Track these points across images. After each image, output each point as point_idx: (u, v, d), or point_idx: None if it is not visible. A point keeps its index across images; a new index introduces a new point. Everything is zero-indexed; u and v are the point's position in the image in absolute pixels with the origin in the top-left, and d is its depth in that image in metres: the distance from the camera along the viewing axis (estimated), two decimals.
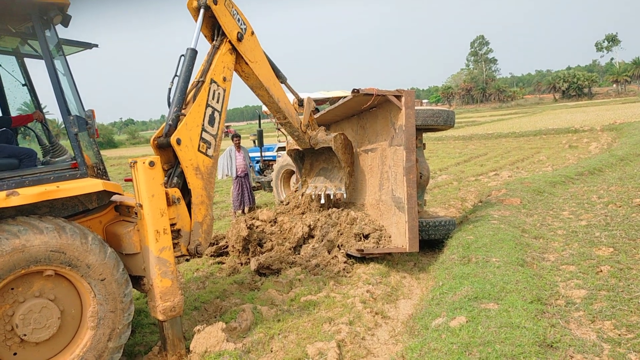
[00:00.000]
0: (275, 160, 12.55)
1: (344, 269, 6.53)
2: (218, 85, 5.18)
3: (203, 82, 5.09)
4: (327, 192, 7.98)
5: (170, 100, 4.93)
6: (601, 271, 5.18)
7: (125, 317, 4.21)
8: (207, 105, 5.02)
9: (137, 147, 66.81)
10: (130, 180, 4.48)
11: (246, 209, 11.09)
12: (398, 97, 6.34)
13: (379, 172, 7.28)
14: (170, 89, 4.96)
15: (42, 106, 5.25)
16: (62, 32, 4.40)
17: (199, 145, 4.88)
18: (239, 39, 5.54)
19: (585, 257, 5.65)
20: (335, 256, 6.81)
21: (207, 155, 4.95)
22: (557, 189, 10.37)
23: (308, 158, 8.75)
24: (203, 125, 4.94)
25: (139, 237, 4.36)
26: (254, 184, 12.40)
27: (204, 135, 4.94)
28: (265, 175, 13.15)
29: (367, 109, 7.51)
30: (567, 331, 3.93)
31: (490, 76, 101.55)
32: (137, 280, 4.54)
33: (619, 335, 3.83)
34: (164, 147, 4.79)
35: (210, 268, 7.37)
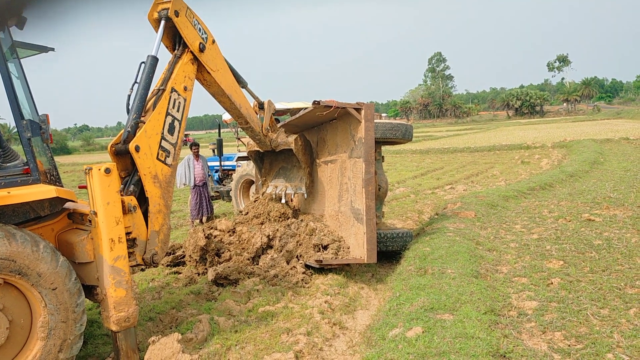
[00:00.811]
0: (234, 170, 12.46)
1: (302, 280, 6.52)
2: (179, 94, 5.11)
3: (164, 90, 5.00)
4: (288, 191, 8.07)
5: (130, 107, 4.81)
6: (552, 283, 5.36)
7: (77, 328, 4.09)
8: (167, 114, 4.93)
9: (92, 153, 65.05)
10: (85, 187, 4.36)
11: (204, 219, 10.95)
12: (358, 109, 6.40)
13: (338, 184, 7.33)
14: (129, 96, 4.85)
15: None
16: (17, 35, 4.29)
17: (158, 154, 4.78)
18: (201, 50, 5.51)
19: (536, 270, 5.84)
20: (294, 267, 6.80)
21: (165, 163, 4.86)
22: (510, 203, 10.68)
23: (267, 158, 8.80)
24: (162, 133, 4.85)
25: (92, 245, 4.25)
26: (212, 194, 12.27)
27: (163, 143, 4.85)
28: (224, 185, 13.03)
29: (327, 120, 7.57)
30: (519, 342, 4.04)
31: (446, 92, 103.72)
32: (90, 290, 4.41)
33: (569, 345, 3.97)
34: (122, 154, 4.67)
35: (166, 278, 7.23)
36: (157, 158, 4.78)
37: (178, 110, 5.07)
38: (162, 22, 5.11)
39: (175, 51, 5.37)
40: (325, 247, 6.86)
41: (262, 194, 8.60)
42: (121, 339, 4.30)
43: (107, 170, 4.13)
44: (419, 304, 4.86)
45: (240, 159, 12.08)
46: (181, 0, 5.24)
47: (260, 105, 7.41)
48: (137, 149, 4.59)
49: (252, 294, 6.09)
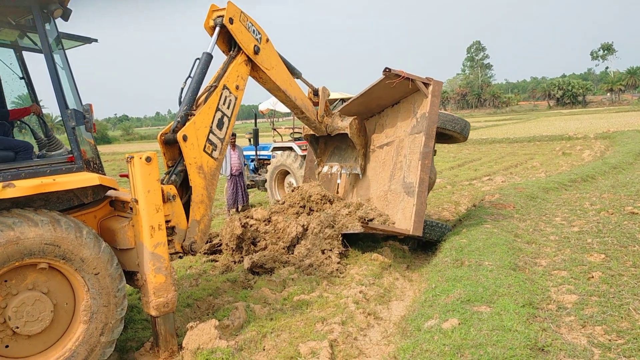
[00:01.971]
0: (270, 160, 12.55)
1: (337, 270, 6.54)
2: (230, 92, 5.30)
3: (216, 86, 5.20)
4: (343, 171, 8.20)
5: (181, 99, 5.01)
6: (592, 277, 5.22)
7: (118, 312, 4.21)
8: (217, 109, 5.12)
9: (132, 143, 66.57)
10: (126, 175, 4.48)
11: (240, 207, 11.08)
12: (426, 84, 6.49)
13: (392, 163, 7.33)
14: (182, 89, 5.06)
15: (39, 100, 5.23)
16: (62, 26, 4.40)
17: (205, 146, 4.95)
18: (256, 52, 5.74)
19: (577, 263, 5.70)
20: (329, 256, 6.82)
21: (212, 156, 5.01)
22: (550, 195, 10.43)
23: (322, 138, 8.88)
24: (211, 127, 5.02)
25: (133, 232, 4.36)
26: (248, 182, 12.39)
27: (211, 137, 5.01)
28: (259, 174, 13.15)
29: (387, 104, 7.67)
30: (558, 335, 3.96)
31: (485, 82, 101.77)
32: (131, 276, 4.54)
33: (610, 340, 3.87)
34: (170, 144, 4.87)
35: (203, 266, 7.36)
36: (204, 150, 4.93)
37: (228, 108, 5.25)
38: (217, 29, 5.34)
39: (231, 52, 5.59)
40: (370, 220, 6.83)
41: (318, 173, 8.81)
42: (160, 324, 4.41)
43: (148, 159, 4.23)
44: (455, 296, 4.82)
45: (275, 149, 12.15)
46: (235, 5, 5.45)
47: (315, 92, 7.54)
48: (184, 138, 4.75)
49: (287, 283, 6.14)
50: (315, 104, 7.56)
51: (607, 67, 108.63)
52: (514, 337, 3.82)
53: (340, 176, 8.29)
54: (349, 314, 5.12)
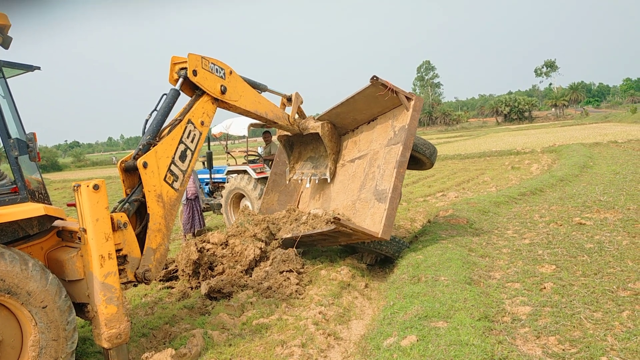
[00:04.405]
0: (224, 182, 12.42)
1: (296, 291, 6.49)
2: (195, 127, 5.36)
3: (180, 120, 5.26)
4: (312, 177, 8.29)
5: (145, 130, 5.05)
6: (545, 288, 5.37)
7: (68, 346, 4.05)
8: (181, 142, 5.15)
9: (83, 170, 64.68)
10: (74, 205, 4.35)
11: (196, 232, 10.90)
12: (409, 98, 6.68)
13: (364, 175, 7.40)
14: (147, 120, 5.11)
15: None
16: (2, 54, 4.27)
17: (166, 176, 4.94)
18: (223, 92, 5.84)
19: (529, 275, 5.85)
20: (288, 278, 6.77)
21: (172, 187, 4.99)
22: (501, 208, 10.72)
23: (297, 147, 8.94)
24: (173, 158, 5.03)
25: (82, 262, 4.22)
26: (203, 206, 12.22)
27: (173, 168, 5.01)
28: (214, 198, 12.99)
29: (363, 119, 7.83)
30: (514, 347, 4.04)
31: (436, 100, 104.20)
32: (81, 308, 4.38)
33: (563, 350, 3.97)
34: (130, 171, 4.84)
35: (159, 293, 7.17)
36: (165, 179, 4.93)
37: (192, 142, 5.29)
38: (181, 80, 5.46)
39: (197, 91, 5.66)
40: (339, 220, 6.78)
41: (289, 180, 8.87)
42: (113, 356, 4.27)
43: (96, 187, 4.12)
44: (413, 312, 4.85)
45: (230, 172, 12.05)
46: (195, 55, 5.54)
47: (289, 99, 7.78)
48: (145, 165, 4.74)
49: (246, 307, 6.05)
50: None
51: (550, 84, 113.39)
52: (471, 351, 3.87)
53: (310, 181, 8.40)
54: (308, 335, 5.08)
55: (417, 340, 4.21)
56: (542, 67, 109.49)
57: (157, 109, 5.21)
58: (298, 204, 9.20)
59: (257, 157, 12.41)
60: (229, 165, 12.61)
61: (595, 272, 5.71)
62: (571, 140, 30.35)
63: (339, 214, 7.04)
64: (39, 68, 4.78)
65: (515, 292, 5.37)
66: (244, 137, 12.98)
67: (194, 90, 5.67)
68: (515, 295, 5.26)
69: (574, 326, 4.34)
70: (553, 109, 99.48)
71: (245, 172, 11.42)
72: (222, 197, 12.00)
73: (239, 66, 6.17)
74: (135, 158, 4.80)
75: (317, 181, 8.35)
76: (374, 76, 6.57)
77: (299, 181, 8.65)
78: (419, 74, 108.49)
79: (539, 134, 44.07)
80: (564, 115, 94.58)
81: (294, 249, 7.38)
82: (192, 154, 5.28)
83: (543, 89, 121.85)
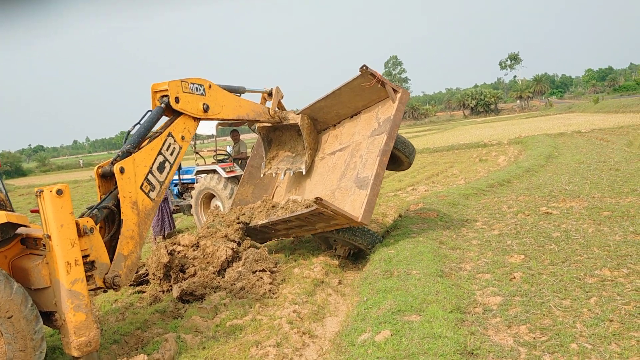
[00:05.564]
0: (193, 184, 12.28)
1: (269, 290, 6.46)
2: (175, 141, 5.45)
3: (161, 132, 5.35)
4: (287, 171, 8.35)
5: (126, 140, 5.13)
6: (514, 278, 5.46)
7: (36, 356, 3.96)
8: (160, 153, 5.21)
9: (48, 174, 63.24)
10: (37, 211, 4.23)
11: (166, 234, 10.75)
12: (395, 90, 6.81)
13: (344, 165, 7.46)
14: (129, 132, 5.22)
15: None
16: None
17: (143, 184, 4.96)
18: (205, 110, 5.97)
19: (499, 265, 5.94)
20: (261, 277, 6.73)
21: (148, 196, 5.01)
22: (470, 200, 10.87)
23: (275, 143, 8.94)
24: (151, 168, 5.07)
25: (48, 270, 4.12)
26: (173, 208, 12.06)
27: (150, 177, 5.04)
28: (184, 199, 12.84)
29: (350, 110, 7.87)
30: (486, 338, 4.09)
31: None
32: (49, 316, 4.27)
33: (534, 338, 4.04)
34: (107, 177, 4.83)
35: (130, 298, 7.05)
36: (141, 187, 4.94)
37: (171, 154, 5.38)
38: (163, 105, 5.55)
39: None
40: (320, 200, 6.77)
41: (264, 174, 8.88)
42: None
43: (59, 192, 4.02)
44: (386, 307, 4.88)
45: (199, 172, 11.91)
46: (175, 82, 5.66)
47: (270, 93, 7.86)
48: (121, 170, 4.75)
49: (219, 309, 5.99)
50: None
51: (515, 76, 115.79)
52: (444, 343, 3.91)
53: (284, 174, 8.42)
54: (283, 334, 5.07)
55: (391, 335, 4.23)
56: (507, 60, 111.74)
57: (140, 122, 5.31)
58: (273, 197, 9.17)
59: (226, 156, 12.30)
60: (197, 165, 12.48)
61: (563, 260, 5.84)
62: (536, 131, 30.99)
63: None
64: None
65: (486, 282, 5.45)
66: (212, 136, 12.84)
67: (177, 113, 5.74)
68: (485, 286, 5.34)
69: (543, 314, 4.43)
70: (518, 101, 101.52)
71: (214, 171, 11.31)
72: (191, 197, 11.85)
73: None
74: (113, 163, 4.80)
75: (291, 174, 8.39)
76: (364, 65, 6.67)
77: (274, 175, 8.71)
78: (386, 69, 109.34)
79: (505, 126, 44.88)
80: (529, 106, 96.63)
81: (265, 248, 7.35)
82: (171, 167, 5.35)
83: (508, 82, 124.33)
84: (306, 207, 6.80)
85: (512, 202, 10.00)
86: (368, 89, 6.95)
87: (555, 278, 5.28)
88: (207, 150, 14.64)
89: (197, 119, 5.91)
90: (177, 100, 5.62)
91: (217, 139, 12.71)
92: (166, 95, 5.58)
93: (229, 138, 13.92)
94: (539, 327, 4.20)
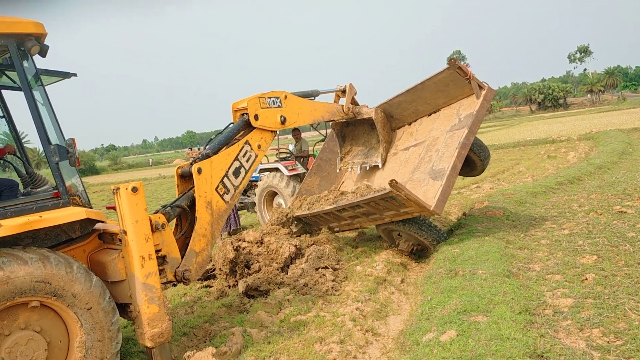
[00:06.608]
0: (257, 182, 12.52)
1: (332, 287, 6.51)
2: (251, 149, 5.74)
3: (238, 140, 5.66)
4: (363, 165, 8.48)
5: (206, 145, 5.48)
6: (586, 279, 5.24)
7: (113, 346, 4.16)
8: (236, 159, 5.50)
9: (119, 172, 66.16)
10: (113, 207, 4.45)
11: (231, 231, 11.03)
12: (481, 87, 6.82)
13: (418, 160, 7.48)
14: (211, 139, 5.60)
15: (23, 135, 5.21)
16: (40, 62, 4.39)
17: (218, 186, 5.23)
18: (283, 122, 6.26)
19: (570, 266, 5.72)
20: (324, 274, 6.79)
21: (222, 198, 5.27)
22: (539, 199, 10.50)
23: (349, 138, 9.09)
24: (227, 172, 5.35)
25: (124, 264, 4.32)
26: (237, 205, 12.34)
27: (225, 180, 5.32)
28: (248, 196, 13.11)
29: (429, 108, 7.84)
30: (556, 341, 3.96)
31: None
32: (124, 308, 4.49)
33: (608, 342, 3.88)
34: (185, 177, 5.16)
35: (198, 292, 7.30)
36: (216, 189, 5.21)
37: (247, 161, 5.67)
38: (243, 123, 5.87)
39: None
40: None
41: (339, 169, 9.08)
42: (156, 354, 4.37)
43: (134, 189, 4.21)
44: (451, 307, 4.81)
45: (262, 170, 12.13)
46: (254, 99, 5.96)
47: (343, 91, 8.06)
48: (199, 170, 5.05)
49: (283, 304, 6.10)
50: None
51: (585, 69, 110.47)
52: (512, 345, 3.82)
53: (360, 169, 8.56)
54: (346, 332, 5.09)
55: (457, 335, 4.17)
56: (576, 53, 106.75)
57: (222, 132, 5.73)
58: (340, 188, 9.24)
59: (288, 155, 12.45)
60: (260, 163, 12.70)
61: (639, 261, 5.54)
62: (609, 126, 29.46)
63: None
64: (75, 75, 4.92)
65: (556, 284, 5.26)
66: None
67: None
68: (556, 288, 5.15)
69: (618, 318, 4.23)
70: (589, 95, 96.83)
71: (277, 169, 11.49)
72: (255, 195, 12.09)
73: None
74: (192, 164, 5.09)
75: (367, 168, 8.46)
76: (452, 58, 6.65)
77: (350, 170, 8.86)
78: None
79: (574, 121, 42.94)
80: (600, 101, 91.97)
81: (329, 245, 7.39)
82: (246, 173, 5.60)
83: (577, 75, 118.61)
84: (378, 192, 6.78)
85: (584, 200, 9.58)
86: (452, 84, 6.91)
87: (631, 280, 5.02)
88: (270, 149, 14.87)
89: (273, 131, 6.18)
90: (256, 117, 5.91)
91: (279, 137, 12.89)
92: (246, 113, 5.87)
93: (290, 136, 14.09)
94: (613, 331, 4.01)
